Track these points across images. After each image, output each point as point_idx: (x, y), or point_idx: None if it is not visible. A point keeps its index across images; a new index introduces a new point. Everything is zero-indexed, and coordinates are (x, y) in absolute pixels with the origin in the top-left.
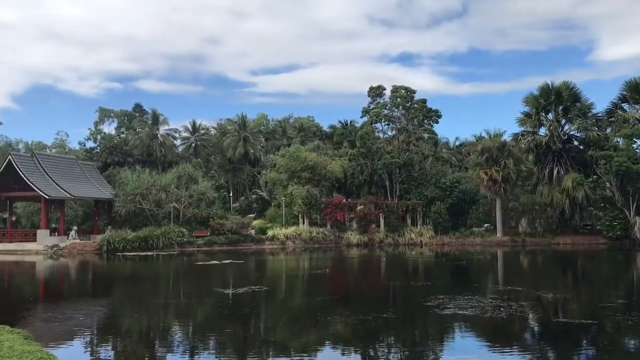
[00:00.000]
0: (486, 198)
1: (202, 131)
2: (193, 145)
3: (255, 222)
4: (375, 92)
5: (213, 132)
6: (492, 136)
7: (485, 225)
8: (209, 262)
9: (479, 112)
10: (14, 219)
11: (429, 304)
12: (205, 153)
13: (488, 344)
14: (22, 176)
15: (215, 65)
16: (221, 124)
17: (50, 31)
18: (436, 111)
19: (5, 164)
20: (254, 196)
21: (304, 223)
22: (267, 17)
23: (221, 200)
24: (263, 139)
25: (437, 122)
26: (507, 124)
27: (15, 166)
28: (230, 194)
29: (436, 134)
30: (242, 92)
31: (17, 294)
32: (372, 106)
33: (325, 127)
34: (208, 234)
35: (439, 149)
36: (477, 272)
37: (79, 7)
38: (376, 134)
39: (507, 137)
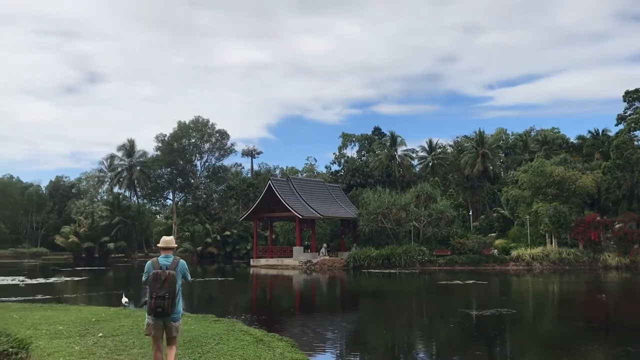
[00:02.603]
0: None
1: (439, 150)
2: (430, 164)
3: (498, 242)
4: (633, 96)
5: (449, 150)
6: None
7: None
8: (451, 282)
9: None
10: (273, 237)
11: None
12: (442, 171)
13: None
14: (280, 198)
15: (450, 82)
16: (458, 141)
17: (297, 66)
18: None
19: (266, 188)
20: (494, 214)
21: (551, 243)
22: (503, 29)
23: (460, 218)
24: (502, 155)
25: None
26: None
27: (274, 190)
28: (470, 213)
29: None
30: (478, 107)
31: (278, 305)
32: (629, 112)
33: (573, 139)
34: (449, 253)
35: None
36: None
37: (321, 40)
38: (635, 142)
39: None
